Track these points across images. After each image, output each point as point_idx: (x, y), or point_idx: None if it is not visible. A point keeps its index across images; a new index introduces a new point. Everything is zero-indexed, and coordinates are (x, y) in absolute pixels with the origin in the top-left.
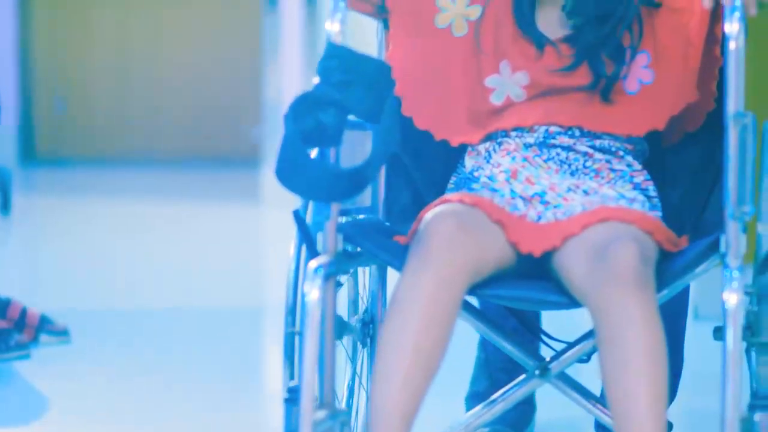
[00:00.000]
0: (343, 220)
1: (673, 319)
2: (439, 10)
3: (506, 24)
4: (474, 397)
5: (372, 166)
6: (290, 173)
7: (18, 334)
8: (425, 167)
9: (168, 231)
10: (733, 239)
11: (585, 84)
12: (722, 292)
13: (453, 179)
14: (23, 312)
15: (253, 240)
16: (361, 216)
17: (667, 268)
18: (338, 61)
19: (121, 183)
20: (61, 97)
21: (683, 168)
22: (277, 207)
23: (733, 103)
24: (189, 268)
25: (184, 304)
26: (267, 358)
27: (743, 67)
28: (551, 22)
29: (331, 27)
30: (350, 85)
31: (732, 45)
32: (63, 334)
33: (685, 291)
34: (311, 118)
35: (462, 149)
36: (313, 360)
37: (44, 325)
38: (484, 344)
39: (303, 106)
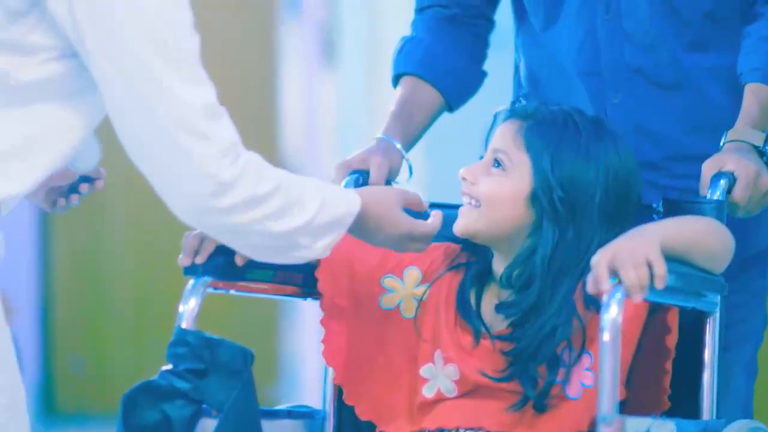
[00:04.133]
0: None
1: None
2: (385, 290)
3: (447, 308)
4: None
5: None
6: None
7: None
8: None
9: None
10: None
11: (515, 390)
12: None
13: None
14: None
15: None
16: None
17: None
18: (188, 349)
19: None
20: (79, 354)
21: None
22: None
23: (606, 402)
24: None
25: None
26: None
27: (617, 362)
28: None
29: (185, 307)
30: (203, 374)
31: (605, 336)
32: None
33: None
34: (155, 411)
35: None
36: None
37: None
38: None
39: (145, 397)
